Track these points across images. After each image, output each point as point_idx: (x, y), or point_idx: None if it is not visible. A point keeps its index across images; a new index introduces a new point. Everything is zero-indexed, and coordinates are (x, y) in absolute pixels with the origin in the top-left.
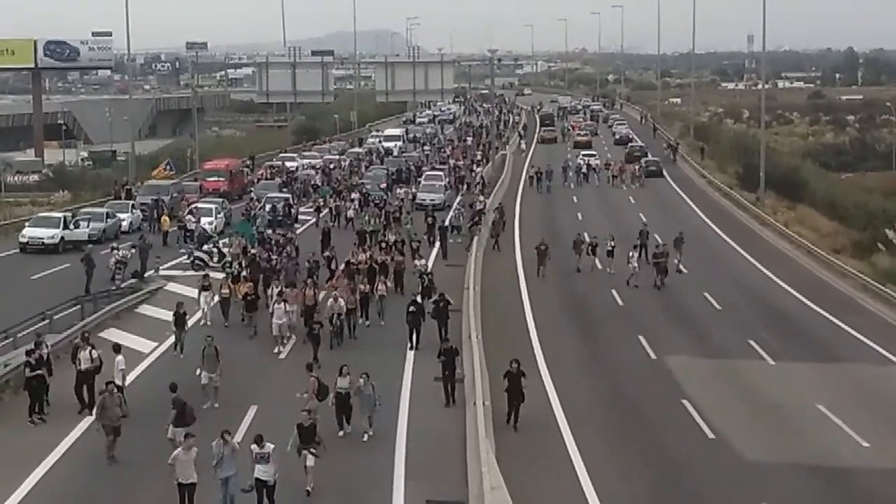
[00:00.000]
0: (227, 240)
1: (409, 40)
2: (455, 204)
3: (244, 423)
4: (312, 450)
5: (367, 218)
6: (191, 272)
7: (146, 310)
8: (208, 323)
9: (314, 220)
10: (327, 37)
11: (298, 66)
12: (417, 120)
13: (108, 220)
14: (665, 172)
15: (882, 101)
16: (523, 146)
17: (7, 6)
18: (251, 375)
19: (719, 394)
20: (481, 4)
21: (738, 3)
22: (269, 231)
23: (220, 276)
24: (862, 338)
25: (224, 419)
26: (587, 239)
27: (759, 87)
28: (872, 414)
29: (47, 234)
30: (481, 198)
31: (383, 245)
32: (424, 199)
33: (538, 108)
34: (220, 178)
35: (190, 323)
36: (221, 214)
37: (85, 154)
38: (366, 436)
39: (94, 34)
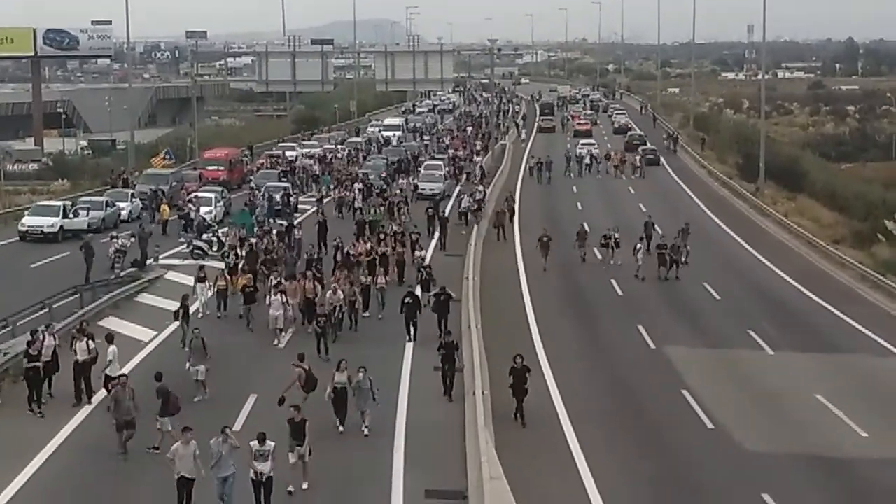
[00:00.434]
0: (226, 229)
1: (409, 29)
2: (455, 193)
3: (243, 411)
4: (300, 446)
5: (370, 208)
6: (190, 261)
7: (146, 299)
8: (207, 313)
9: (316, 209)
10: (327, 26)
11: (298, 56)
12: (417, 110)
13: (108, 208)
14: (664, 161)
15: (882, 91)
16: (523, 136)
17: None
18: (250, 365)
19: (718, 384)
20: None
21: None
22: (271, 220)
23: (220, 265)
24: (861, 328)
25: (223, 408)
26: (609, 233)
27: (760, 77)
28: (871, 404)
29: (47, 222)
30: (480, 187)
31: (381, 236)
32: (425, 189)
33: (537, 97)
34: (220, 168)
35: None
36: (221, 203)
37: (84, 143)
38: (366, 430)
39: (93, 23)
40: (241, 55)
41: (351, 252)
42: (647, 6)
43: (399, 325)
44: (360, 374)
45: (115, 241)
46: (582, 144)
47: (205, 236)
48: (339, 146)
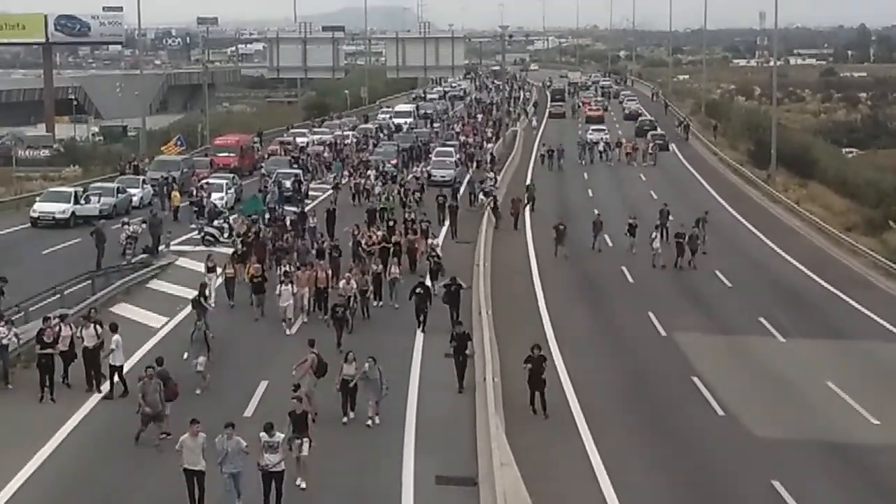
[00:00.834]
0: (236, 215)
1: (420, 16)
2: (466, 180)
3: (255, 397)
4: (299, 440)
5: (387, 195)
6: (201, 247)
7: (157, 285)
8: (213, 305)
9: (330, 195)
10: (338, 12)
11: (309, 42)
12: (428, 96)
13: (119, 195)
14: (675, 149)
15: (894, 78)
16: (534, 122)
17: None
18: (261, 352)
19: (729, 371)
20: None
21: None
22: (283, 207)
23: (230, 251)
24: (872, 315)
25: (236, 394)
26: (633, 221)
27: (771, 63)
28: (882, 391)
29: (58, 208)
30: (491, 174)
31: (390, 224)
32: (436, 175)
33: (548, 84)
34: (231, 154)
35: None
36: (232, 190)
37: (96, 129)
38: (370, 422)
39: (104, 9)
40: (252, 41)
41: (362, 242)
42: None
43: (411, 315)
44: (367, 365)
45: (126, 227)
46: (593, 130)
47: (216, 223)
48: (350, 133)
